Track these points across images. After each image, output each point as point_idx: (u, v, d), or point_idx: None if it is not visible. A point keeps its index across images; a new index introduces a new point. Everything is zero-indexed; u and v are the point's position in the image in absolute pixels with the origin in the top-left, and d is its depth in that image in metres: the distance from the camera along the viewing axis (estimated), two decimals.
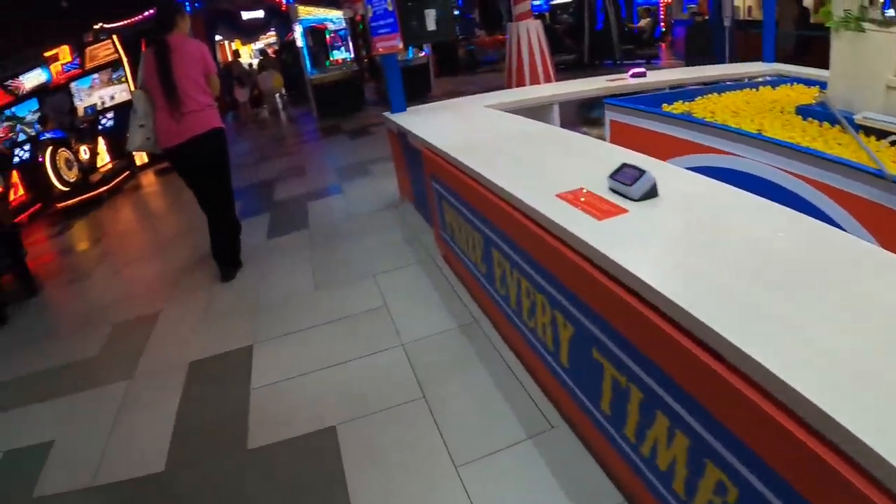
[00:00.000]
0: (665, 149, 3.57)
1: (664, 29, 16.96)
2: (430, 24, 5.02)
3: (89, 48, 11.22)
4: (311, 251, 4.94)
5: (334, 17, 15.98)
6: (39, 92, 11.36)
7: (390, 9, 4.79)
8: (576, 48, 15.39)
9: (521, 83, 8.76)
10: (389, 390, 2.81)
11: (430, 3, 4.86)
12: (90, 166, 9.86)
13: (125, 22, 19.89)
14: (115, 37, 11.26)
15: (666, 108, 3.98)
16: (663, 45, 16.59)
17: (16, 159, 10.38)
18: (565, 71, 13.13)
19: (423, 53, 13.79)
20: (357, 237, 5.05)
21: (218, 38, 22.35)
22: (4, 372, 3.94)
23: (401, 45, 4.93)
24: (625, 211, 2.00)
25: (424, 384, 2.82)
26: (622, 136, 4.18)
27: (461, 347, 3.08)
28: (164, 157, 4.26)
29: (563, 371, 2.20)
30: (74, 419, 3.16)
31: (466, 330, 3.24)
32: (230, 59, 20.45)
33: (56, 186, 9.07)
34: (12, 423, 3.25)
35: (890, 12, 2.68)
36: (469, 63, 19.09)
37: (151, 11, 19.94)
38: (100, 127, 10.80)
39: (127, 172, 10.66)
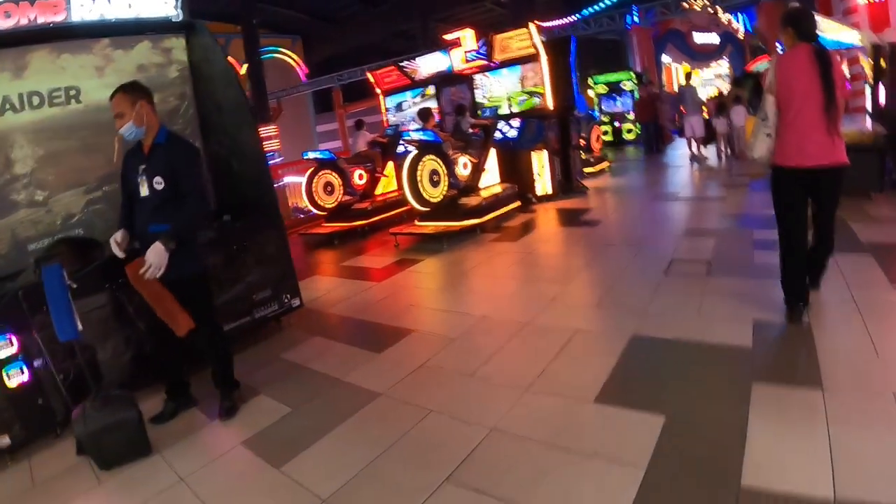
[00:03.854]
0: None
1: None
2: None
3: (499, 36, 8.63)
4: None
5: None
6: (438, 80, 9.43)
7: None
8: None
9: None
10: None
11: None
12: (468, 183, 7.17)
13: (557, 23, 17.96)
14: (532, 24, 8.33)
15: None
16: None
17: (400, 148, 8.45)
18: None
19: None
20: None
21: (665, 59, 18.81)
22: None
23: None
24: None
25: None
26: None
27: None
28: (776, 174, 3.37)
29: None
30: None
31: None
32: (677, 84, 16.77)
33: (413, 206, 6.65)
34: None
35: None
36: None
37: (577, 17, 17.80)
38: (498, 136, 8.14)
39: (517, 203, 7.69)
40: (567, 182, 8.57)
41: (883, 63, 7.93)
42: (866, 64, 9.94)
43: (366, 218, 8.13)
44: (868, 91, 9.52)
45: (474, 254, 6.02)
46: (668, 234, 5.78)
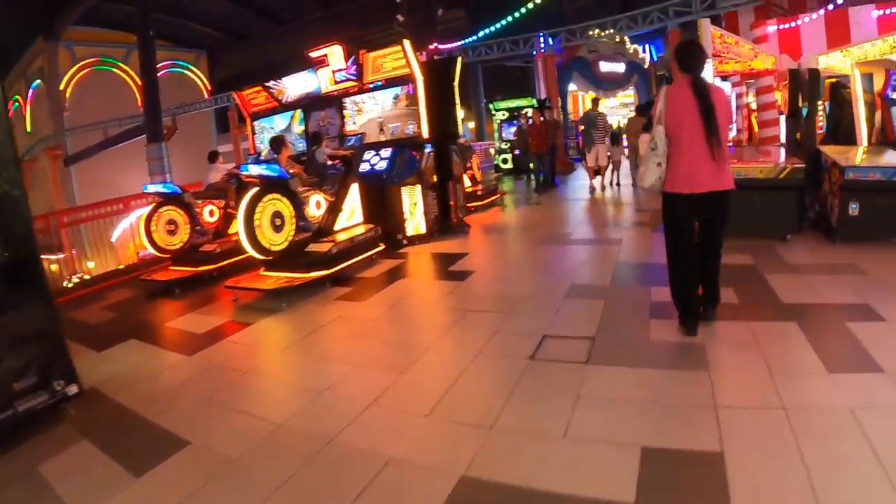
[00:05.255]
0: None
1: None
2: None
3: (371, 54, 7.66)
4: None
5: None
6: (307, 102, 8.38)
7: None
8: None
9: None
10: None
11: None
12: (322, 226, 6.01)
13: (455, 45, 17.15)
14: (407, 42, 7.43)
15: None
16: None
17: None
18: None
19: None
20: None
21: (571, 87, 18.50)
22: None
23: None
24: None
25: None
26: None
27: None
28: (667, 201, 3.54)
29: None
30: None
31: None
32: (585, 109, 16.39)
33: (251, 254, 5.46)
34: None
35: None
36: None
37: (473, 39, 17.14)
38: (365, 168, 7.05)
39: (378, 248, 6.57)
40: (445, 220, 7.58)
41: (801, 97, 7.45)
42: (779, 94, 9.59)
43: (214, 262, 6.84)
44: (783, 121, 9.07)
45: (312, 317, 4.86)
46: (548, 292, 4.80)
